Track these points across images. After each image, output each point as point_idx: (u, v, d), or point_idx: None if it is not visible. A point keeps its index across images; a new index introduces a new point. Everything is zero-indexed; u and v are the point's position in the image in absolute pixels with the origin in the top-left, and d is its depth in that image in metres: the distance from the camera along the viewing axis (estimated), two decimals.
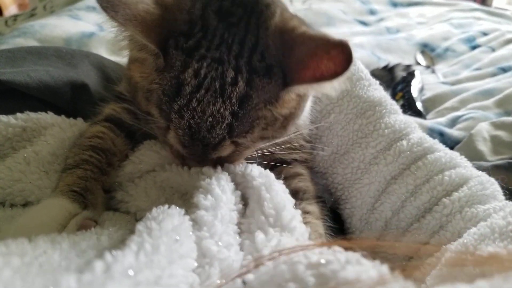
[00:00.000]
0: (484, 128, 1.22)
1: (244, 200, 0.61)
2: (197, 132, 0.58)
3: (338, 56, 0.55)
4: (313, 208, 0.73)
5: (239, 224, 0.56)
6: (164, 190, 0.64)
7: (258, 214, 0.55)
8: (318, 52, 0.56)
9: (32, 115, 0.70)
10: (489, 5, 3.62)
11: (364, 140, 0.82)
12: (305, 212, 0.68)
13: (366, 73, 0.88)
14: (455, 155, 0.78)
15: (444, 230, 0.68)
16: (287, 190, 0.61)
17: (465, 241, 0.56)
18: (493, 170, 0.77)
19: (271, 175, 0.63)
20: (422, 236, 0.70)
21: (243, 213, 0.58)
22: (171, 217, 0.47)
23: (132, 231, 0.45)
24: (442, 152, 0.78)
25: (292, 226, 0.54)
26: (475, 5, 2.76)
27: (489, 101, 1.45)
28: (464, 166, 0.76)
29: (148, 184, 0.65)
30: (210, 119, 0.57)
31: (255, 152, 0.68)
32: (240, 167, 0.65)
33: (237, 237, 0.53)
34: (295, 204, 0.64)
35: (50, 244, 0.42)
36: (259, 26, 0.61)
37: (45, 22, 1.47)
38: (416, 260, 0.45)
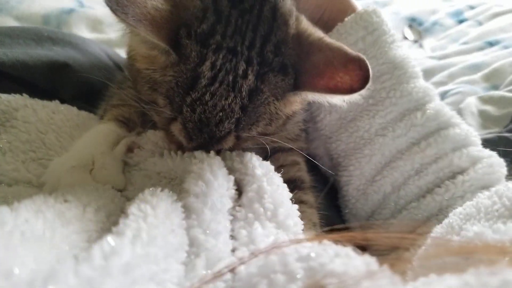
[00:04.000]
0: (472, 103, 1.22)
1: (238, 186, 0.59)
2: (206, 126, 0.57)
3: (355, 70, 0.54)
4: (308, 197, 0.72)
5: (232, 210, 0.54)
6: (150, 177, 0.61)
7: (257, 206, 0.53)
8: (335, 63, 0.55)
9: (3, 96, 0.66)
10: None
11: (374, 108, 0.75)
12: (300, 202, 0.67)
13: (390, 27, 0.79)
14: (470, 132, 0.73)
15: (443, 214, 0.65)
16: (285, 185, 0.59)
17: (450, 220, 0.55)
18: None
19: (271, 167, 0.61)
20: (419, 217, 0.69)
21: (236, 199, 0.57)
22: (164, 202, 0.45)
23: (124, 212, 0.43)
24: (457, 128, 0.72)
25: (288, 224, 0.52)
26: None
27: (477, 75, 1.45)
28: (477, 145, 0.73)
29: (132, 175, 0.63)
30: (221, 113, 0.56)
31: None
32: (237, 153, 0.63)
33: (228, 224, 0.51)
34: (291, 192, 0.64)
35: (33, 213, 0.40)
36: (275, 17, 0.59)
37: None
38: (402, 251, 0.44)
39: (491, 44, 1.69)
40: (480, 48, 1.68)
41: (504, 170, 0.70)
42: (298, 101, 0.63)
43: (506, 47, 1.62)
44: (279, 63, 0.58)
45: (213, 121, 0.56)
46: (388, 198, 0.73)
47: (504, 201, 0.50)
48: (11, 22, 1.25)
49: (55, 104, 0.70)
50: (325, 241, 0.39)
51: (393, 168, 0.72)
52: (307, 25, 0.62)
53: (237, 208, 0.54)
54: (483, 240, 0.44)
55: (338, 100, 0.58)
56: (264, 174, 0.58)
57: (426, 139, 0.71)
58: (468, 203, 0.57)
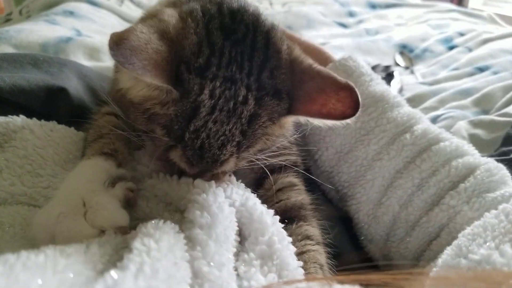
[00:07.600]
0: (462, 127, 1.24)
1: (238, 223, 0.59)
2: (208, 151, 0.58)
3: (347, 98, 0.57)
4: (314, 230, 0.71)
5: (234, 242, 0.55)
6: (148, 200, 0.62)
7: (270, 265, 0.54)
8: (327, 90, 0.58)
9: (1, 119, 0.68)
10: (466, 6, 3.70)
11: (366, 137, 0.82)
12: (306, 237, 0.68)
13: (367, 69, 0.89)
14: (461, 143, 0.78)
15: (453, 222, 0.69)
16: (290, 239, 0.59)
17: (459, 242, 0.57)
18: None
19: (276, 217, 0.61)
20: (430, 230, 0.71)
21: (237, 231, 0.57)
22: (168, 235, 0.46)
23: (126, 246, 0.44)
24: (448, 141, 0.78)
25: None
26: (452, 6, 2.81)
27: (467, 100, 1.47)
28: (472, 154, 0.77)
29: None
30: (222, 138, 0.58)
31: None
32: (238, 194, 0.63)
33: (231, 256, 0.52)
34: (294, 223, 0.67)
35: (34, 251, 0.40)
36: (269, 45, 0.62)
37: (21, 27, 1.45)
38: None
39: (481, 70, 1.73)
40: (470, 74, 1.72)
41: (505, 171, 0.74)
42: (290, 122, 0.65)
43: (495, 73, 1.66)
44: (273, 88, 0.60)
45: (215, 146, 0.58)
46: (399, 217, 0.77)
47: (510, 218, 0.53)
48: (10, 51, 1.27)
49: (52, 124, 0.71)
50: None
51: (395, 188, 0.77)
52: (299, 53, 0.65)
53: (251, 255, 0.54)
54: (490, 263, 0.45)
55: (331, 123, 0.62)
56: (272, 223, 0.59)
57: (420, 156, 0.77)
58: (476, 223, 0.59)
